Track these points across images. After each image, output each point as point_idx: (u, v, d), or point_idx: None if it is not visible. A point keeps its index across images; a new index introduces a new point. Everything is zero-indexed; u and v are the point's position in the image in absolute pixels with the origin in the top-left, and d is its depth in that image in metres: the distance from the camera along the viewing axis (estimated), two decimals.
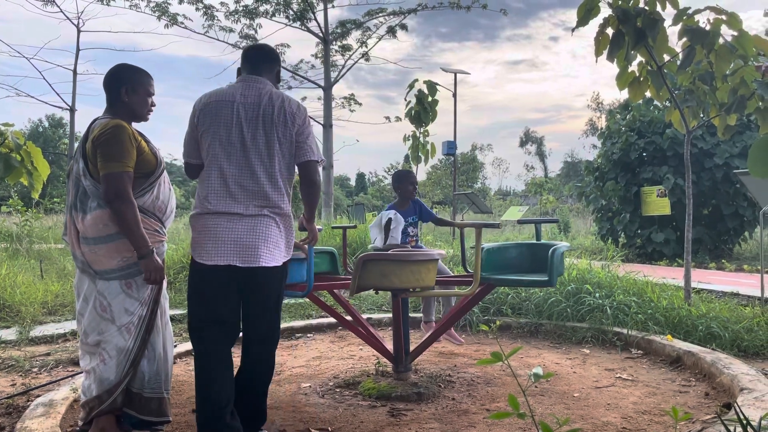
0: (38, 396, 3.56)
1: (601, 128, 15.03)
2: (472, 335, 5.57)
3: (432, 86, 11.45)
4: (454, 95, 17.78)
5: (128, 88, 2.82)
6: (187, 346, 4.83)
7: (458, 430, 3.15)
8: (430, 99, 11.45)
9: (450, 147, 16.71)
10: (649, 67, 5.49)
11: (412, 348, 3.93)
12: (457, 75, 17.97)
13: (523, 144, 68.38)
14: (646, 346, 4.85)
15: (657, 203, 12.15)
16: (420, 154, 11.98)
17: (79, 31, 15.59)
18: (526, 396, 1.32)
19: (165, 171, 2.93)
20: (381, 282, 3.23)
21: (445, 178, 39.06)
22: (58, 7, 15.49)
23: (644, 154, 12.85)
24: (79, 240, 2.72)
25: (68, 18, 15.66)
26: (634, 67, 5.64)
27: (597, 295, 5.64)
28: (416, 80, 11.50)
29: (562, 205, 25.08)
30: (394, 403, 3.54)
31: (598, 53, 5.44)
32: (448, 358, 4.72)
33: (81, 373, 3.59)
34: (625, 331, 5.08)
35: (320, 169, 2.82)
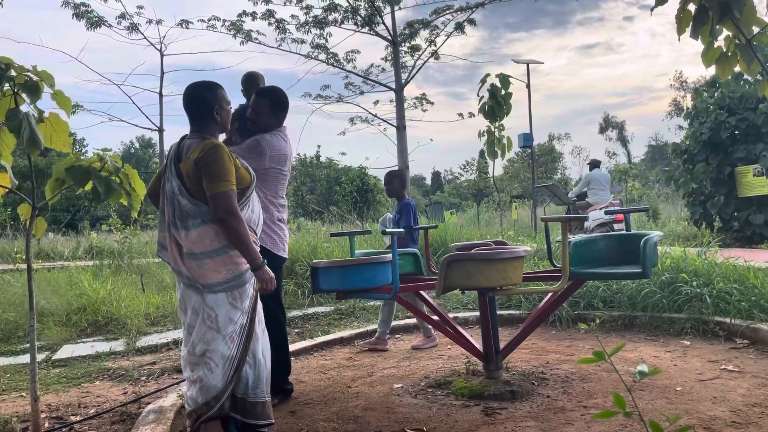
0: (148, 403, 3.79)
1: (687, 108, 14.28)
2: (562, 331, 5.45)
3: (505, 79, 11.27)
4: (528, 86, 17.42)
5: (218, 107, 2.96)
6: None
7: (555, 428, 3.10)
8: (503, 92, 11.28)
9: (526, 139, 16.38)
10: (737, 41, 5.19)
11: (501, 346, 3.90)
12: (530, 65, 17.61)
13: (602, 130, 65.99)
14: (751, 335, 4.59)
15: (754, 183, 11.43)
16: (496, 149, 11.82)
17: (162, 55, 16.43)
18: (632, 393, 1.29)
19: None
20: (467, 282, 3.23)
21: (523, 171, 38.28)
22: (142, 34, 16.36)
23: (736, 132, 12.11)
24: (182, 256, 2.87)
25: (152, 44, 16.52)
26: (720, 42, 5.34)
27: (694, 283, 5.38)
28: (488, 75, 11.36)
29: (649, 191, 24.02)
30: (488, 402, 3.53)
31: (680, 31, 5.17)
32: (540, 355, 4.65)
33: (184, 380, 3.80)
34: (727, 320, 4.83)
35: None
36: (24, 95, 3.20)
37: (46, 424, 3.59)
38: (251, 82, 4.33)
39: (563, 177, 49.83)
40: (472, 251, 3.36)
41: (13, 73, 3.13)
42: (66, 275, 8.24)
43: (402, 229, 4.97)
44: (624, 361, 4.19)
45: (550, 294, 3.92)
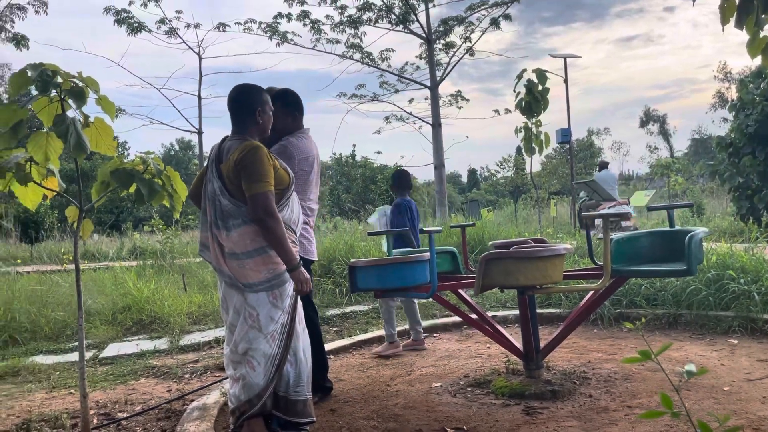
0: (192, 401, 3.87)
1: (732, 100, 13.86)
2: (604, 329, 5.36)
3: (542, 74, 11.13)
4: (566, 81, 17.15)
5: (260, 109, 3.00)
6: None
7: (599, 428, 3.05)
8: (540, 88, 11.14)
9: (564, 134, 16.12)
10: None
11: (542, 344, 3.85)
12: (567, 59, 17.32)
13: (643, 124, 64.53)
14: None
15: None
16: (533, 145, 11.69)
17: (200, 59, 16.75)
18: (680, 393, 1.26)
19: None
20: (506, 280, 3.20)
21: (561, 167, 37.68)
22: (181, 38, 16.70)
23: None
24: (224, 256, 2.92)
25: (190, 47, 16.85)
26: (766, 31, 5.17)
27: (742, 280, 5.22)
28: (524, 70, 11.24)
29: (693, 186, 23.39)
30: (529, 402, 3.49)
31: (724, 22, 5.02)
32: (581, 354, 4.58)
33: (227, 378, 3.87)
34: None
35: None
36: (70, 101, 3.30)
37: (95, 421, 3.69)
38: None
39: None
40: (511, 249, 3.33)
41: (59, 79, 3.23)
42: (111, 275, 8.46)
43: (397, 229, 4.97)
44: (669, 360, 4.10)
45: (591, 292, 3.86)
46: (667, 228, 3.80)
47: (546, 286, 3.32)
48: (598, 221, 10.05)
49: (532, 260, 3.13)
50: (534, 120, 11.45)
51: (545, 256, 3.16)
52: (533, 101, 11.21)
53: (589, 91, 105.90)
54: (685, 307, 5.31)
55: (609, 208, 11.25)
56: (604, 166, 12.81)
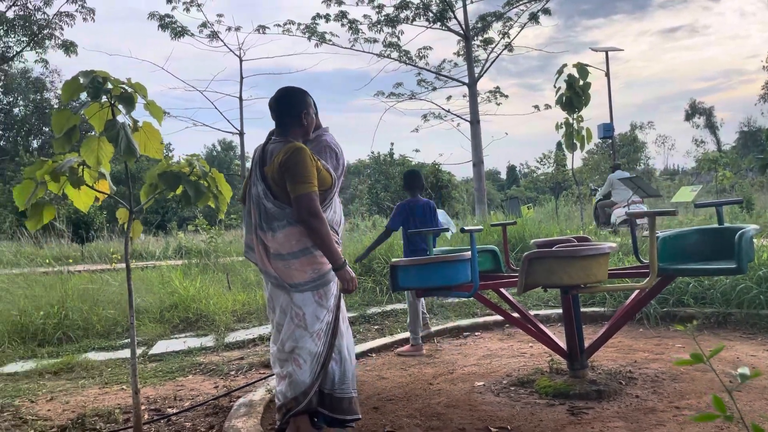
0: (239, 397, 3.95)
1: None
2: (650, 329, 5.26)
3: (583, 69, 10.90)
4: (607, 75, 16.85)
5: (305, 112, 3.04)
6: (361, 347, 5.07)
7: (646, 429, 3.00)
8: (581, 83, 10.92)
9: (606, 129, 15.86)
10: None
11: (586, 344, 3.80)
12: (609, 53, 17.00)
13: (689, 117, 62.73)
14: None
15: None
16: (575, 140, 11.48)
17: (241, 61, 16.98)
18: (732, 395, 1.24)
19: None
20: (549, 279, 3.17)
21: (603, 163, 36.99)
22: (222, 41, 16.98)
23: None
24: (269, 257, 2.97)
25: (231, 50, 17.11)
26: None
27: None
28: (565, 65, 11.01)
29: (742, 181, 22.66)
30: (573, 402, 3.46)
31: None
32: (626, 353, 4.50)
33: (272, 375, 3.93)
34: None
35: None
36: (120, 106, 3.41)
37: (146, 416, 3.81)
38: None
39: (647, 168, 47.82)
40: (554, 248, 3.30)
41: (109, 86, 3.33)
42: (158, 274, 8.68)
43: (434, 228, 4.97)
44: (719, 361, 3.99)
45: (637, 291, 3.79)
46: (716, 225, 3.71)
47: (590, 285, 3.28)
48: (612, 219, 10.14)
49: (576, 259, 3.09)
50: (575, 115, 11.24)
51: (590, 255, 3.12)
52: (574, 96, 10.99)
53: (631, 85, 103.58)
54: (735, 305, 5.17)
55: (624, 206, 11.51)
56: (617, 167, 13.84)
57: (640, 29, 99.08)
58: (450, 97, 20.24)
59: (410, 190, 5.38)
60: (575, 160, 11.67)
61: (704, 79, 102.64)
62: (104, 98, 3.37)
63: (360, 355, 4.92)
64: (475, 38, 19.04)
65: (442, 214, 6.50)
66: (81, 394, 4.47)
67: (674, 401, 3.36)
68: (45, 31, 15.00)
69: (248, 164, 10.01)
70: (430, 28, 18.83)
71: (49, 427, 3.73)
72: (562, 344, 3.82)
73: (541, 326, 4.00)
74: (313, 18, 18.09)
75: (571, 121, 11.42)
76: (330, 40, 18.43)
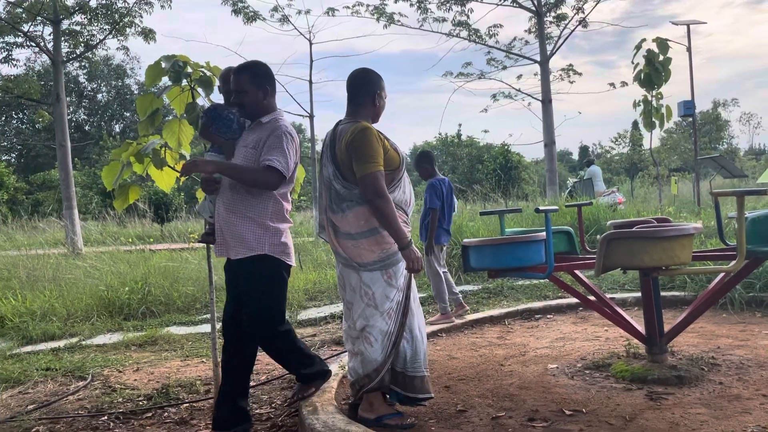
0: None
1: None
2: (734, 314, 5.02)
3: (663, 44, 10.40)
4: (689, 49, 15.98)
5: (378, 94, 3.06)
6: (431, 327, 5.08)
7: (730, 416, 2.88)
8: (661, 58, 10.43)
9: (687, 107, 15.04)
10: None
11: (666, 328, 3.67)
12: (690, 26, 16.11)
13: None
14: None
15: None
16: (654, 119, 11.00)
17: (311, 44, 17.10)
18: None
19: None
20: (629, 261, 3.07)
21: (683, 142, 35.31)
22: (293, 24, 17.16)
23: None
24: (339, 237, 3.02)
25: (301, 33, 17.26)
26: None
27: None
28: (643, 40, 10.54)
29: None
30: (651, 387, 3.35)
31: None
32: (709, 339, 4.32)
33: (344, 352, 4.00)
34: None
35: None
36: (199, 89, 3.52)
37: None
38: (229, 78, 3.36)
39: (730, 147, 45.36)
40: (635, 228, 3.18)
41: (189, 69, 3.45)
42: None
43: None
44: None
45: (722, 275, 3.62)
46: None
47: (673, 267, 3.15)
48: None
49: (659, 240, 2.98)
50: (654, 92, 10.75)
51: (673, 236, 2.99)
52: (654, 72, 10.51)
53: (713, 60, 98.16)
54: None
55: (605, 195, 13.20)
56: (591, 162, 15.88)
57: (725, 1, 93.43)
58: (521, 76, 19.74)
59: (434, 168, 5.58)
60: (653, 139, 11.16)
61: None
62: (184, 82, 3.49)
63: (430, 335, 4.94)
64: (548, 14, 18.47)
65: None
66: (164, 365, 4.70)
67: (761, 389, 3.20)
68: (126, 19, 15.60)
69: (318, 146, 10.13)
70: (501, 5, 18.39)
71: (137, 395, 3.95)
72: (640, 328, 3.70)
73: (618, 309, 3.89)
74: None
75: (649, 98, 10.94)
76: (398, 21, 18.30)
